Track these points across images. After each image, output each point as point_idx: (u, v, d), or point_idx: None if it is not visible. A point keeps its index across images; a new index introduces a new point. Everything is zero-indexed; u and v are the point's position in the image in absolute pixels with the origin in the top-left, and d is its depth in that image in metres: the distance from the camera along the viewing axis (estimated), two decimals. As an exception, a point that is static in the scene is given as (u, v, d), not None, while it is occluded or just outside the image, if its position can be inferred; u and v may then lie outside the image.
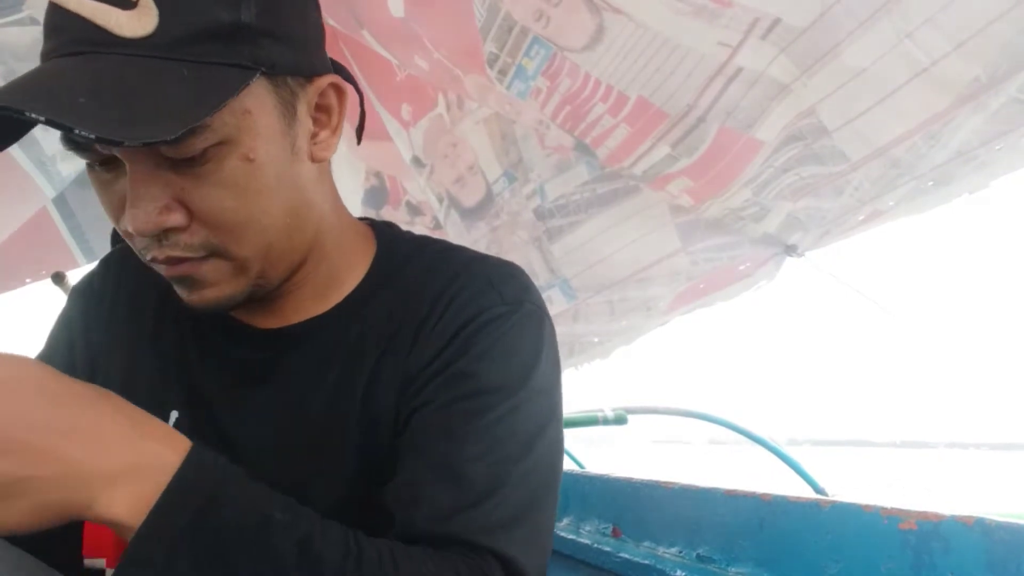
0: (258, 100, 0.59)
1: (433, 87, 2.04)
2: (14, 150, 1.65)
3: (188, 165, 0.56)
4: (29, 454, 0.48)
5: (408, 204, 2.35)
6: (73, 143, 0.57)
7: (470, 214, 2.21)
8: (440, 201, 2.26)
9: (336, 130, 0.68)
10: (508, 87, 1.82)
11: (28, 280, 2.12)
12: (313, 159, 0.66)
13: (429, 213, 2.32)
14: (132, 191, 0.56)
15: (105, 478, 0.49)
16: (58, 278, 2.02)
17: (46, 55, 0.55)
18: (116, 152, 0.56)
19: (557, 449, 0.70)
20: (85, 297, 0.80)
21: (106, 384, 0.75)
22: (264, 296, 0.69)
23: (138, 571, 0.49)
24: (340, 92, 0.67)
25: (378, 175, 2.39)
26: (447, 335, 0.67)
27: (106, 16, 0.53)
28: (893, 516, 0.72)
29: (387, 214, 2.45)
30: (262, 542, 0.51)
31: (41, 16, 1.50)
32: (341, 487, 0.70)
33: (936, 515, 0.68)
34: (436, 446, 0.64)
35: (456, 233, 2.26)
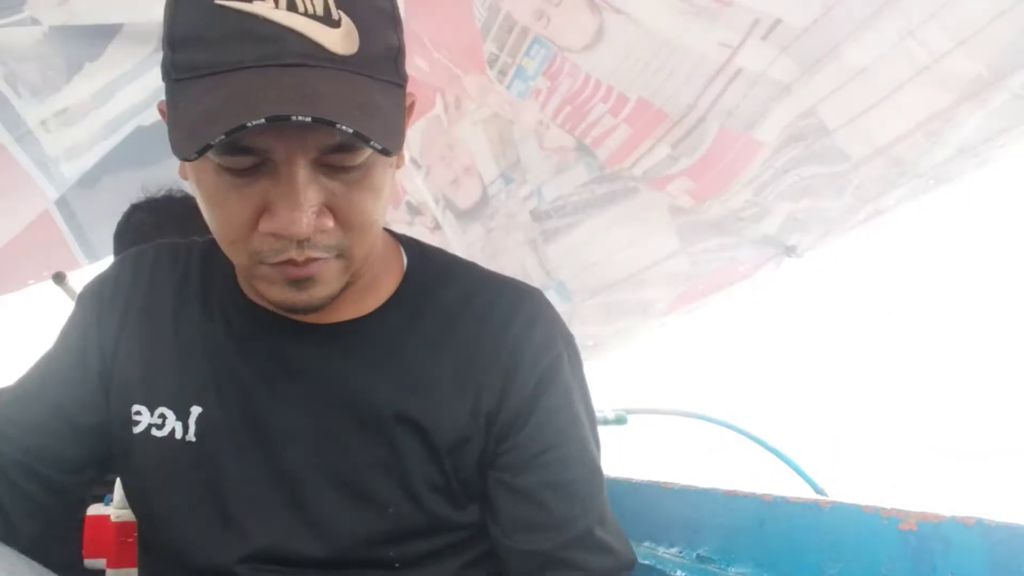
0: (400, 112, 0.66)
1: (431, 88, 2.04)
2: (15, 150, 1.65)
3: (343, 172, 0.61)
4: None
5: (408, 204, 2.35)
6: (234, 147, 0.58)
7: (465, 216, 2.21)
8: (436, 202, 2.26)
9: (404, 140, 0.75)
10: (508, 87, 1.82)
11: (31, 281, 2.12)
12: (396, 167, 0.71)
13: (429, 213, 2.32)
14: (294, 196, 0.59)
15: None
16: (59, 278, 2.02)
17: (256, 60, 0.56)
18: (278, 159, 0.59)
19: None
20: (98, 298, 0.81)
21: (122, 384, 0.77)
22: None
23: None
24: (411, 108, 0.73)
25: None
26: (527, 391, 0.75)
27: (320, 33, 0.57)
28: (893, 517, 0.72)
29: (387, 214, 2.44)
30: None
31: (42, 16, 1.51)
32: (388, 479, 0.73)
33: (936, 516, 0.68)
34: (571, 487, 0.76)
35: (453, 234, 2.26)
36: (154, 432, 0.75)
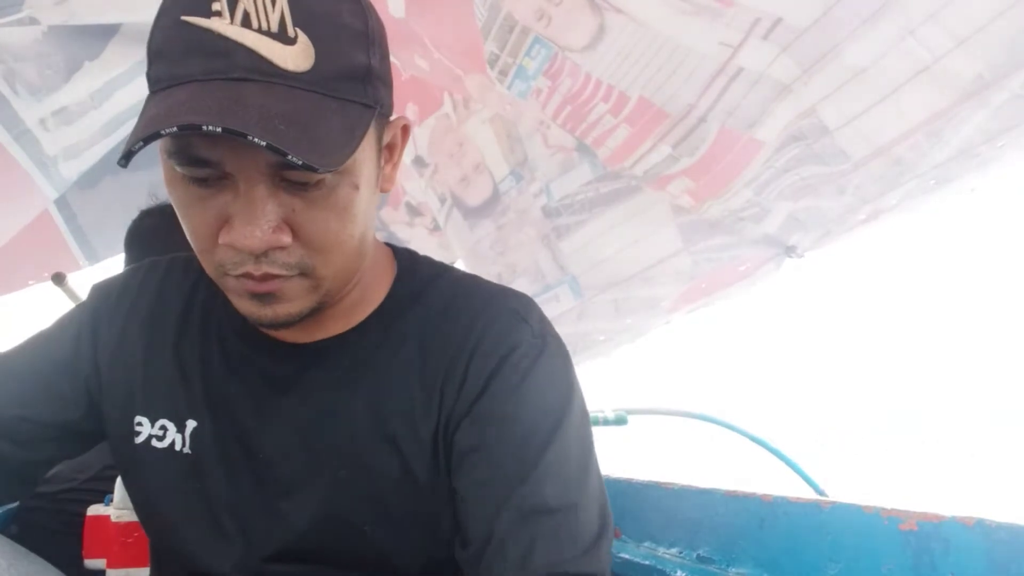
0: (368, 135, 0.64)
1: (439, 87, 2.04)
2: (14, 149, 1.65)
3: (302, 189, 0.61)
4: None
5: (408, 205, 2.35)
6: (188, 158, 0.59)
7: (474, 213, 2.21)
8: (442, 201, 2.26)
9: (397, 165, 0.74)
10: (509, 87, 1.82)
11: (31, 282, 2.12)
12: (381, 190, 0.71)
13: (428, 214, 2.32)
14: (249, 210, 0.60)
15: None
16: (58, 279, 2.02)
17: (204, 74, 0.57)
18: (234, 172, 0.59)
19: (595, 460, 0.75)
20: (103, 296, 0.83)
21: (121, 394, 0.78)
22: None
23: None
24: (405, 131, 0.73)
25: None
26: (485, 374, 0.71)
27: (271, 49, 0.57)
28: (893, 517, 0.72)
29: (386, 215, 2.45)
30: None
31: (41, 16, 1.51)
32: (365, 497, 0.72)
33: (936, 516, 0.67)
34: (500, 490, 0.68)
35: (457, 233, 2.25)
36: (155, 443, 0.77)
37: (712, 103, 1.59)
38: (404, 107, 2.13)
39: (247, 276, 0.63)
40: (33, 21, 1.48)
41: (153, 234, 1.46)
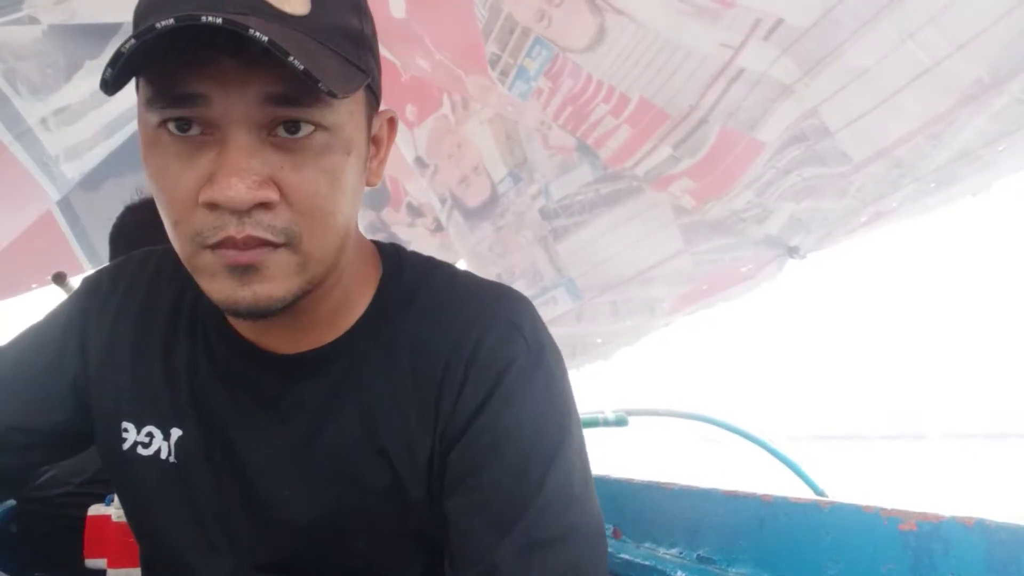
0: (358, 106, 0.63)
1: (438, 88, 2.04)
2: (15, 148, 1.65)
3: (292, 146, 0.58)
4: None
5: (409, 205, 2.35)
6: (171, 97, 0.56)
7: (473, 214, 2.21)
8: (443, 202, 2.26)
9: (383, 161, 0.71)
10: (510, 88, 1.82)
11: (34, 285, 2.11)
12: (367, 183, 0.68)
13: (430, 215, 2.32)
14: (233, 161, 0.56)
15: None
16: (59, 278, 2.01)
17: (198, 8, 0.53)
18: (221, 114, 0.56)
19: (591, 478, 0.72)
20: (93, 290, 0.80)
21: (108, 397, 0.75)
22: (288, 311, 0.65)
23: None
24: (392, 126, 0.71)
25: (380, 176, 2.39)
26: (482, 392, 0.67)
27: None
28: (893, 517, 0.72)
29: (388, 216, 2.45)
30: None
31: (41, 15, 1.51)
32: (356, 511, 0.70)
33: (936, 516, 0.68)
34: (499, 520, 0.64)
35: (458, 234, 2.25)
36: (140, 450, 0.74)
37: (713, 104, 1.59)
38: (404, 107, 2.13)
39: (227, 244, 0.58)
40: (33, 20, 1.48)
41: (136, 228, 1.42)
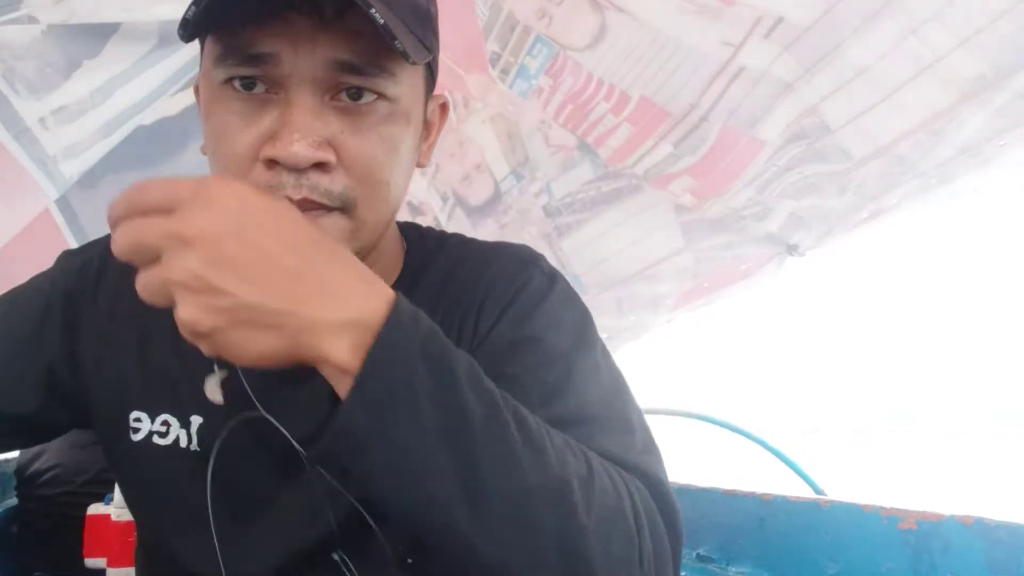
0: (419, 82, 0.65)
1: (440, 86, 2.04)
2: (13, 148, 1.65)
3: (352, 113, 0.59)
4: (293, 289, 0.47)
5: (409, 204, 2.35)
6: (242, 56, 0.57)
7: (477, 212, 2.21)
8: (445, 200, 2.26)
9: (432, 145, 0.72)
10: (510, 86, 1.82)
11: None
12: (416, 164, 0.69)
13: (430, 213, 2.32)
14: (297, 120, 0.57)
15: (333, 326, 0.48)
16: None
17: None
18: (288, 74, 0.57)
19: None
20: (78, 273, 0.76)
21: (97, 379, 0.71)
22: None
23: (379, 386, 0.48)
24: (444, 112, 0.72)
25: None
26: (499, 308, 0.68)
27: None
28: (893, 516, 0.71)
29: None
30: (479, 381, 0.51)
31: (40, 14, 1.51)
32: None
33: (936, 515, 0.67)
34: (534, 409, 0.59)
35: (461, 232, 2.25)
36: (156, 440, 0.71)
37: (714, 102, 1.59)
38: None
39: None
40: (32, 20, 1.48)
41: None
